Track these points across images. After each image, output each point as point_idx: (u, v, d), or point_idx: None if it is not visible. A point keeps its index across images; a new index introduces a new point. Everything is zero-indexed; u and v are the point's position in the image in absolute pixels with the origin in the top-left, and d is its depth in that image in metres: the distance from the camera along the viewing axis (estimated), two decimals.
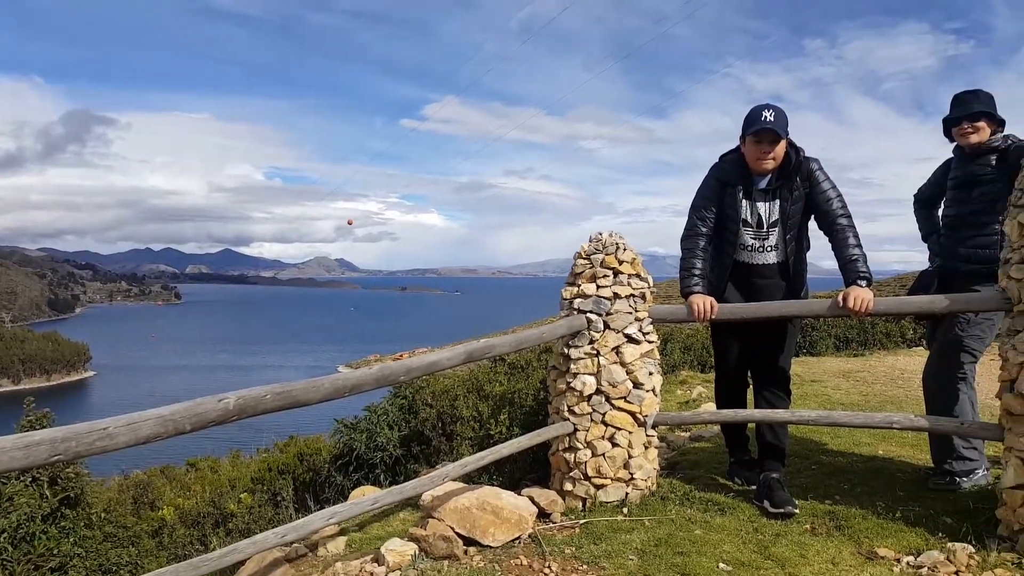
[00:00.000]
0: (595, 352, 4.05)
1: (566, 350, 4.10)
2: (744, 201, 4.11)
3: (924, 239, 4.66)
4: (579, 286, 4.14)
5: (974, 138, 4.09)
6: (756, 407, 4.28)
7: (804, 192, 4.04)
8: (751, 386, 4.47)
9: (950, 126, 4.21)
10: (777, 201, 4.08)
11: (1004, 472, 3.44)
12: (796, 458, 4.84)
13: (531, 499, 3.97)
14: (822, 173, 4.06)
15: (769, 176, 4.08)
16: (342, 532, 4.20)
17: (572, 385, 4.06)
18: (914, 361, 10.58)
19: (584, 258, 4.19)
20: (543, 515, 3.99)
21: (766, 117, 3.93)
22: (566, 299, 4.19)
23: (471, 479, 4.52)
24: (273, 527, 3.15)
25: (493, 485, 4.27)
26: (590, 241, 4.23)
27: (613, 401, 4.06)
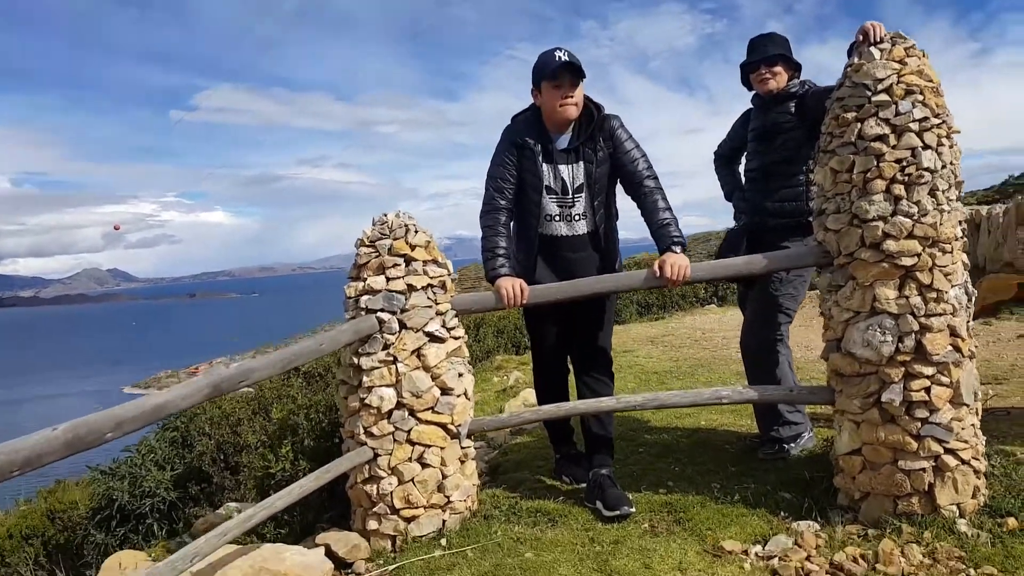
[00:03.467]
0: (392, 358, 3.36)
1: (356, 360, 3.38)
2: (544, 164, 3.60)
3: (727, 197, 4.45)
4: (365, 280, 3.42)
5: (772, 84, 3.89)
6: (579, 395, 3.82)
7: (608, 152, 3.61)
8: (572, 371, 4.02)
9: (748, 73, 3.98)
10: (581, 163, 3.60)
11: (838, 438, 3.24)
12: (622, 441, 4.51)
13: (327, 548, 3.21)
14: (624, 131, 3.63)
15: (569, 135, 3.60)
16: None
17: (367, 402, 3.35)
18: (709, 320, 10.95)
19: (368, 245, 3.48)
20: (343, 565, 3.23)
21: (560, 57, 3.43)
22: (351, 297, 3.46)
23: (253, 529, 3.69)
24: None
25: (281, 533, 3.49)
26: (374, 225, 3.53)
27: (419, 414, 3.39)
